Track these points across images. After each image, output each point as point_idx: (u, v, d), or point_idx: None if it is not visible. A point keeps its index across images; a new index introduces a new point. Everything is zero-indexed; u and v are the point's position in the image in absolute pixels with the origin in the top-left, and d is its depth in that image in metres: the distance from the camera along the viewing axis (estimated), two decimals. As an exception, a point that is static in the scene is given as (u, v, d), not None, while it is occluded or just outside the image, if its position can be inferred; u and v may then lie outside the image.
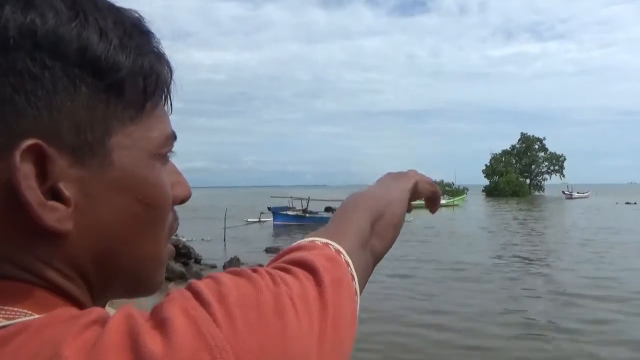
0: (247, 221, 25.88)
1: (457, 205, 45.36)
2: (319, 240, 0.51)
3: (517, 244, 17.31)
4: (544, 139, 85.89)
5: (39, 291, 0.37)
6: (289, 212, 25.45)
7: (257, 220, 26.46)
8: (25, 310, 0.35)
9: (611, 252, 14.84)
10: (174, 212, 0.47)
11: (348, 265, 0.49)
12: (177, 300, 0.34)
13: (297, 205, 27.32)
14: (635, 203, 44.83)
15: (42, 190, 0.36)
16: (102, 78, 0.38)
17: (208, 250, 13.77)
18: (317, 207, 27.48)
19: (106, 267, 0.40)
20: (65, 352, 0.30)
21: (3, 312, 0.34)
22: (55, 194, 0.36)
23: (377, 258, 0.62)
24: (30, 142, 0.34)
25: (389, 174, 0.80)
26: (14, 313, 0.35)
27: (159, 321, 0.32)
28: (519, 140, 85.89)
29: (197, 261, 11.59)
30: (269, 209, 25.62)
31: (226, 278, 0.37)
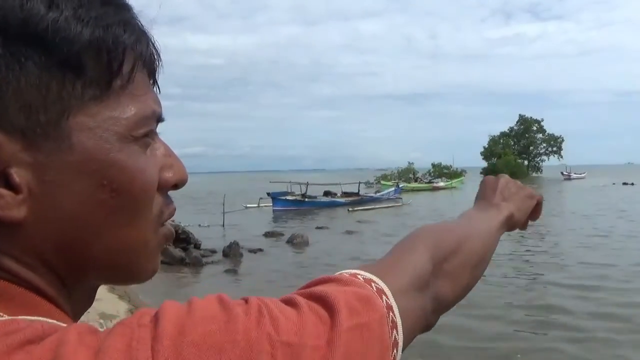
0: (245, 207, 25.89)
1: (455, 187, 45.43)
2: (363, 275, 0.44)
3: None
4: (542, 120, 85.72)
5: (1, 283, 0.35)
6: (288, 197, 25.44)
7: (256, 205, 26.48)
8: None
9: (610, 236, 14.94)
10: (166, 197, 0.43)
11: (390, 310, 0.42)
12: (125, 327, 0.31)
13: (296, 190, 27.32)
14: (632, 184, 44.86)
15: None
16: (52, 53, 0.34)
17: (207, 235, 13.80)
18: (316, 192, 27.48)
19: (75, 256, 0.38)
20: None
21: None
22: (6, 180, 0.34)
23: (444, 304, 0.52)
24: None
25: (479, 204, 0.71)
26: None
27: (96, 349, 0.29)
28: (517, 122, 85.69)
29: (197, 246, 11.63)
30: (268, 194, 25.62)
31: (203, 307, 0.34)
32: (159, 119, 0.42)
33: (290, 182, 28.92)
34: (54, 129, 0.35)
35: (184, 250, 10.82)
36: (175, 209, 0.45)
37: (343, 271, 0.45)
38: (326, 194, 28.13)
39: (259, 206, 26.41)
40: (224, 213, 18.02)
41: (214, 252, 11.90)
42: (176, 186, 0.44)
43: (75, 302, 0.40)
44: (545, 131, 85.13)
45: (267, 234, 14.80)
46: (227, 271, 10.28)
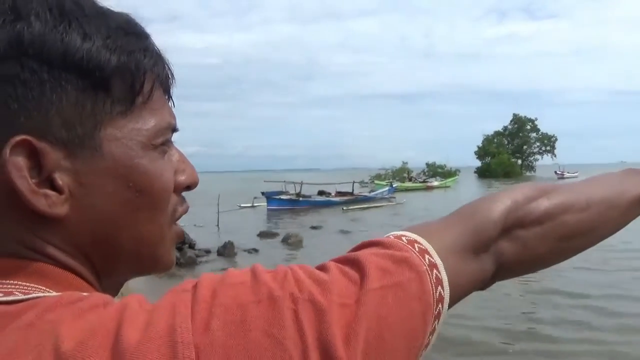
0: (240, 206, 25.86)
1: (448, 187, 45.56)
2: (408, 236, 0.47)
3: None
4: (536, 119, 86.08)
5: (48, 267, 0.42)
6: (283, 197, 25.43)
7: (250, 205, 26.45)
8: (39, 286, 0.40)
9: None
10: (180, 197, 0.50)
11: (434, 267, 0.44)
12: (174, 292, 0.38)
13: (291, 189, 27.30)
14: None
15: (39, 180, 0.40)
16: (87, 77, 0.41)
17: (202, 235, 13.78)
18: (310, 191, 27.49)
19: (107, 249, 0.44)
20: (64, 331, 0.34)
21: (19, 287, 0.39)
22: (52, 183, 0.41)
23: (510, 269, 0.52)
24: (18, 137, 0.39)
25: (626, 170, 0.62)
26: (28, 288, 0.39)
27: (151, 310, 0.36)
28: (511, 121, 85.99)
29: (191, 246, 11.60)
30: (263, 193, 25.59)
31: (236, 275, 0.39)
32: (174, 129, 0.48)
33: (284, 181, 28.90)
34: (89, 140, 0.42)
35: (178, 250, 10.79)
36: (188, 208, 0.52)
37: (391, 233, 0.48)
38: (320, 193, 28.15)
39: (253, 206, 26.38)
40: (218, 213, 18.00)
41: (208, 252, 11.88)
42: (189, 187, 0.51)
43: (105, 292, 0.45)
44: (539, 130, 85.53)
45: (262, 234, 14.79)
46: (221, 271, 10.23)
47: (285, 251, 12.59)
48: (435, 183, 45.40)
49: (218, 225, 17.22)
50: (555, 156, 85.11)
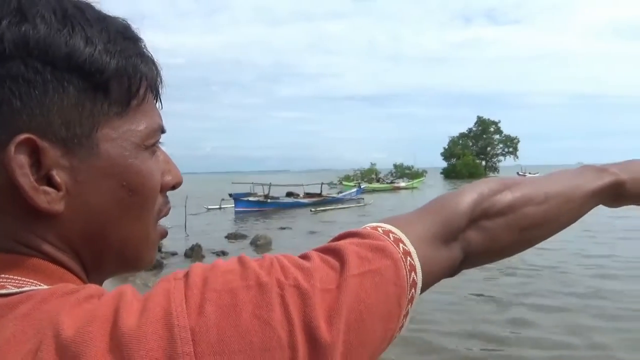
0: (207, 208, 25.54)
1: (415, 187, 46.19)
2: (383, 227, 0.51)
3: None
4: (499, 122, 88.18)
5: (42, 262, 0.43)
6: (251, 198, 25.26)
7: (217, 207, 26.15)
8: (32, 280, 0.41)
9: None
10: (165, 197, 0.52)
11: (408, 255, 0.48)
12: (166, 280, 0.40)
13: (259, 191, 27.14)
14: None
15: (37, 177, 0.42)
16: (88, 79, 0.43)
17: (169, 238, 13.38)
18: (278, 193, 27.39)
19: (96, 245, 0.46)
20: (63, 319, 0.36)
21: (13, 281, 0.41)
22: (49, 180, 0.42)
23: (477, 257, 0.56)
24: (23, 136, 0.40)
25: (584, 167, 0.65)
26: (22, 282, 0.41)
27: (145, 297, 0.38)
28: (475, 124, 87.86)
29: (158, 249, 11.37)
30: (230, 195, 25.35)
31: (224, 264, 0.42)
32: (163, 130, 0.50)
33: (252, 183, 28.70)
34: (87, 139, 0.44)
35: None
36: (170, 208, 0.54)
37: (368, 224, 0.52)
38: (289, 194, 28.07)
39: (220, 207, 26.11)
40: (185, 215, 17.73)
41: (174, 254, 11.69)
42: (174, 187, 0.53)
43: None
44: (502, 132, 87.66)
45: (230, 236, 14.64)
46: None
47: (254, 253, 12.48)
48: (403, 184, 45.94)
49: (185, 227, 16.96)
50: (517, 157, 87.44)
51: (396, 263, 0.46)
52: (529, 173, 72.13)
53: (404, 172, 55.96)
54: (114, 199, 0.45)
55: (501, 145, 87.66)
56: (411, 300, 0.48)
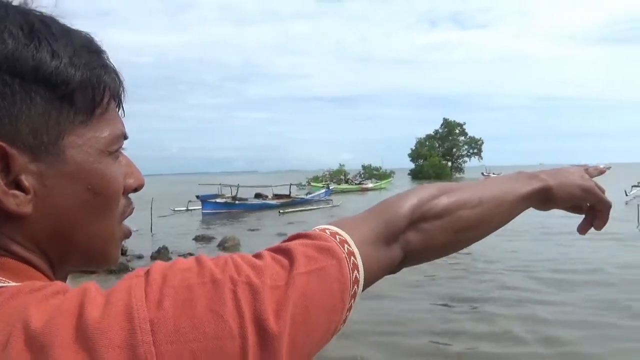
0: (174, 210, 25.14)
1: (383, 188, 46.65)
2: (330, 229, 0.55)
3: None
4: (464, 123, 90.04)
5: (10, 261, 0.46)
6: (218, 200, 25.01)
7: (184, 208, 25.78)
8: (4, 278, 0.44)
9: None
10: (128, 199, 0.56)
11: (352, 255, 0.53)
12: (128, 278, 0.43)
13: (227, 192, 26.90)
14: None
15: (7, 181, 0.44)
16: (54, 90, 0.46)
17: (135, 240, 13.25)
18: (247, 194, 27.20)
19: (62, 244, 0.49)
20: (31, 313, 0.38)
21: None
22: (17, 185, 0.45)
23: (416, 257, 0.61)
24: None
25: (518, 173, 0.71)
26: None
27: (108, 293, 0.41)
28: (441, 125, 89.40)
29: (123, 252, 11.05)
30: (198, 197, 25.02)
31: (183, 262, 0.45)
32: (125, 137, 0.53)
33: (220, 184, 28.42)
34: (53, 146, 0.46)
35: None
36: (133, 209, 0.57)
37: (317, 227, 0.56)
38: (257, 196, 27.90)
39: (188, 209, 25.75)
40: (151, 217, 17.40)
41: (141, 257, 11.46)
42: (136, 189, 0.56)
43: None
44: (467, 134, 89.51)
45: (198, 238, 14.40)
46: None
47: (222, 255, 12.30)
48: (371, 185, 46.34)
49: (152, 229, 16.64)
50: (481, 158, 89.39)
51: (340, 262, 0.51)
52: (493, 173, 73.67)
53: (372, 173, 56.42)
54: (79, 201, 0.48)
55: (466, 147, 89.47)
56: (354, 295, 0.52)
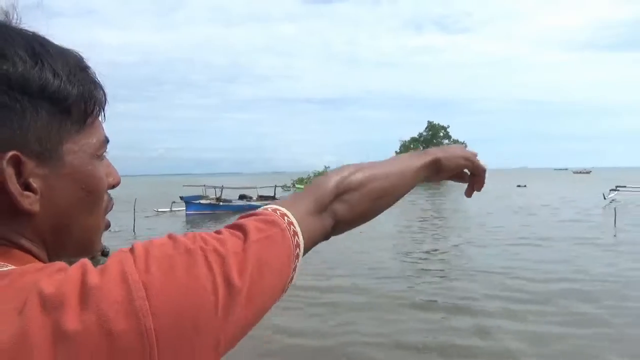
0: (157, 211, 24.92)
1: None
2: (272, 207, 0.68)
3: (416, 227, 18.25)
4: (448, 126, 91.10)
5: (17, 252, 0.54)
6: (202, 201, 24.87)
7: (168, 210, 25.58)
8: (7, 264, 0.51)
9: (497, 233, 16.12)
10: (108, 195, 0.64)
11: (291, 224, 0.65)
12: (117, 254, 0.51)
13: (211, 194, 26.77)
14: (525, 186, 49.20)
15: (19, 184, 0.52)
16: (56, 105, 0.54)
17: (116, 241, 13.06)
18: (231, 195, 27.08)
19: (60, 236, 0.57)
20: (43, 284, 0.46)
21: None
22: (27, 186, 0.53)
23: (346, 222, 0.76)
24: (11, 153, 0.51)
25: (413, 152, 0.89)
26: (1, 265, 0.51)
27: (103, 267, 0.49)
28: (425, 128, 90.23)
29: (105, 254, 10.90)
30: (182, 198, 24.84)
31: (158, 240, 0.54)
32: (107, 141, 0.62)
33: (204, 185, 28.25)
34: (54, 152, 0.54)
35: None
36: (113, 204, 0.66)
37: (262, 207, 0.68)
38: (242, 197, 27.80)
39: (172, 210, 25.56)
40: (134, 218, 17.22)
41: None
42: (114, 186, 0.65)
43: None
44: (451, 137, 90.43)
45: (181, 239, 14.19)
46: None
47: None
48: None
49: (134, 230, 16.47)
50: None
51: (283, 231, 0.63)
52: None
53: (357, 175, 56.33)
54: (75, 198, 0.57)
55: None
56: (297, 257, 0.64)
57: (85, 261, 0.50)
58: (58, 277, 0.47)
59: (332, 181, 0.74)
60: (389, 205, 0.81)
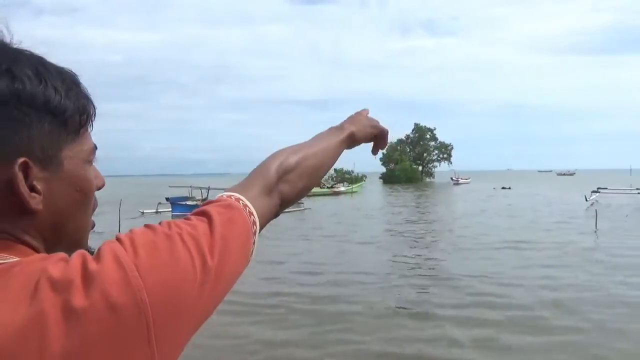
0: (142, 212, 24.69)
1: (355, 192, 46.88)
2: (227, 193, 0.77)
3: (402, 228, 18.32)
4: (435, 129, 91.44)
5: (21, 247, 0.61)
6: (188, 202, 24.69)
7: (154, 211, 25.36)
8: (13, 256, 0.59)
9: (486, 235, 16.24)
10: (94, 196, 0.71)
11: (246, 207, 0.75)
12: (107, 243, 0.59)
13: (197, 194, 26.59)
14: (509, 188, 49.69)
15: (27, 186, 0.60)
16: (56, 117, 0.62)
17: (100, 243, 12.90)
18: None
19: (57, 233, 0.65)
20: (50, 270, 0.54)
21: (2, 257, 0.58)
22: (32, 188, 0.60)
23: (289, 199, 0.88)
24: (22, 159, 0.59)
25: (330, 128, 1.04)
26: (7, 257, 0.58)
27: (98, 255, 0.57)
28: (412, 130, 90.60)
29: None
30: (167, 199, 24.64)
31: (138, 229, 0.62)
32: (96, 148, 0.70)
33: (190, 186, 28.05)
34: (55, 159, 0.62)
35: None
36: (97, 204, 0.73)
37: (219, 194, 0.77)
38: (229, 198, 27.50)
39: (157, 212, 25.33)
40: (119, 219, 17.03)
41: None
42: (99, 188, 0.72)
43: None
44: (437, 139, 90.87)
45: (167, 241, 14.04)
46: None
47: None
48: (343, 188, 46.46)
49: (119, 232, 16.20)
50: (451, 163, 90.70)
51: (241, 212, 0.73)
52: (462, 178, 75.00)
53: (344, 176, 56.67)
54: (71, 199, 0.65)
55: (436, 152, 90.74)
56: (255, 233, 0.74)
57: (84, 251, 0.58)
58: (62, 264, 0.55)
59: (274, 166, 0.86)
60: (320, 177, 0.96)
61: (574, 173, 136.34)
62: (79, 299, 0.52)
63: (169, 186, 29.39)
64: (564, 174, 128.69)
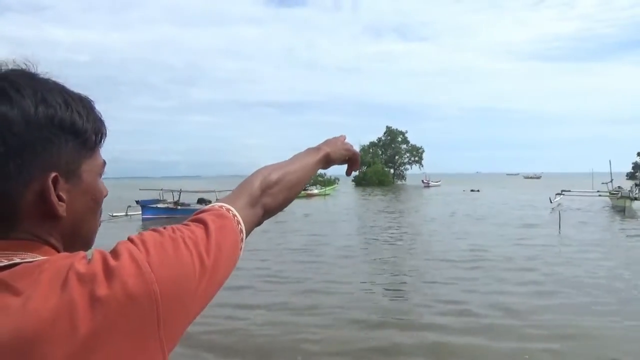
0: (112, 215, 24.16)
1: (328, 194, 46.97)
2: (218, 204, 0.88)
3: (377, 227, 18.45)
4: (406, 132, 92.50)
5: (47, 248, 0.71)
6: (159, 205, 24.35)
7: (124, 214, 24.85)
8: (40, 256, 0.67)
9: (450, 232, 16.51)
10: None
11: (235, 216, 0.85)
12: (122, 244, 0.69)
13: (169, 197, 26.21)
14: (478, 190, 50.74)
15: (56, 196, 0.69)
16: (78, 137, 0.73)
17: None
18: (189, 199, 26.60)
19: (74, 236, 0.75)
20: (76, 265, 0.63)
21: (31, 257, 0.67)
22: (59, 198, 0.70)
23: (271, 210, 0.99)
24: (54, 173, 0.69)
25: (308, 149, 1.16)
26: (37, 256, 0.67)
27: (115, 253, 0.67)
28: (384, 133, 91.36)
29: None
30: (137, 202, 24.20)
31: (147, 232, 0.72)
32: (105, 163, 0.81)
33: (161, 189, 27.60)
34: (76, 172, 0.73)
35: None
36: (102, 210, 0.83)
37: (211, 204, 0.88)
38: (200, 201, 27.27)
39: (127, 215, 24.86)
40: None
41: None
42: (104, 197, 0.83)
43: None
44: (409, 142, 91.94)
45: (136, 245, 13.76)
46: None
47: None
48: (316, 191, 46.48)
49: (86, 236, 15.82)
50: (422, 166, 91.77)
51: (231, 221, 0.83)
52: (432, 181, 75.99)
53: (317, 179, 56.65)
54: (87, 207, 0.76)
55: (408, 155, 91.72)
56: (242, 240, 0.85)
57: (102, 250, 0.68)
58: (85, 261, 0.65)
59: (258, 181, 0.97)
60: (298, 192, 1.08)
61: (540, 176, 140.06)
62: (102, 289, 0.61)
63: (140, 189, 28.80)
64: (531, 177, 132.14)
